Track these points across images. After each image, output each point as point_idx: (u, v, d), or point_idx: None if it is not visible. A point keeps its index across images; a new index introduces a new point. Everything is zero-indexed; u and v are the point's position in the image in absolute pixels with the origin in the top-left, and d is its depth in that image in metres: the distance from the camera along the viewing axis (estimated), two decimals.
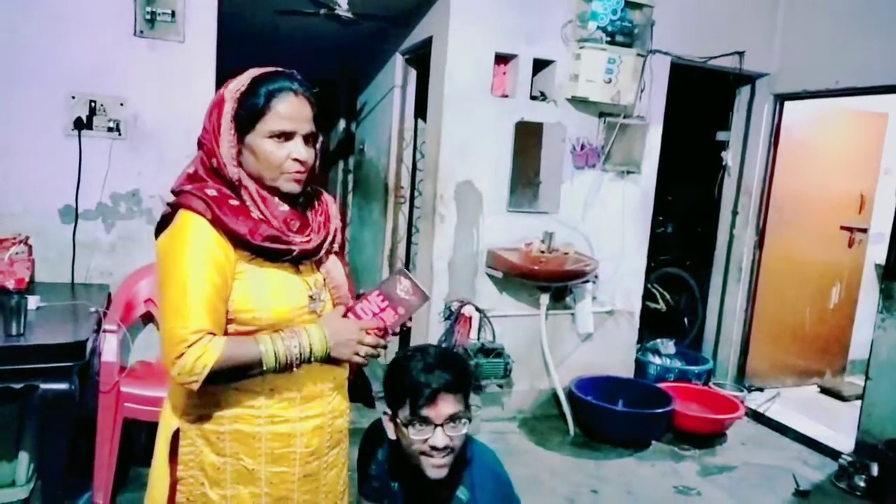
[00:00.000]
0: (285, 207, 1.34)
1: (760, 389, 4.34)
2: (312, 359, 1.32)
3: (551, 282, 3.62)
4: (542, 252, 3.60)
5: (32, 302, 2.28)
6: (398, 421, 1.49)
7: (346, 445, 1.52)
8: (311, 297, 1.36)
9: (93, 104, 2.81)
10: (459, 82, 3.46)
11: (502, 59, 3.57)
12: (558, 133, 3.68)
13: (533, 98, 3.64)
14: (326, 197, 1.49)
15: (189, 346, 1.22)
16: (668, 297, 4.86)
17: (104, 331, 2.45)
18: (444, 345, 3.43)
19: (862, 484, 3.18)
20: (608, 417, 3.60)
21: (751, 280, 4.33)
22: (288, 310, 1.32)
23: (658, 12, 3.69)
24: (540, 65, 3.63)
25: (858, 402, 3.58)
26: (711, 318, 4.56)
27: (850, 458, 3.29)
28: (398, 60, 4.32)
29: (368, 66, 4.96)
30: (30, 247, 2.62)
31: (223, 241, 1.27)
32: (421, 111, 4.17)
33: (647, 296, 4.43)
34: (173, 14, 2.87)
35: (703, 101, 4.45)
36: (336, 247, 1.45)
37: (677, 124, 4.10)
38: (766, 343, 4.39)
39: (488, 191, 3.59)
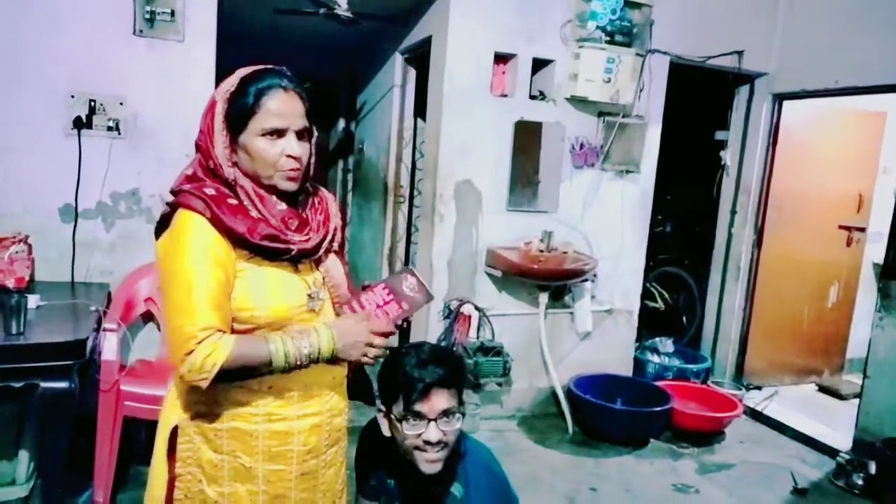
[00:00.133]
0: (283, 206, 1.34)
1: (759, 388, 4.35)
2: (320, 359, 1.32)
3: (550, 281, 3.62)
4: (542, 251, 3.61)
5: (32, 301, 2.28)
6: (392, 416, 1.50)
7: (344, 444, 1.52)
8: (309, 295, 1.37)
9: (92, 103, 2.81)
10: (459, 82, 3.46)
11: (501, 58, 3.57)
12: (557, 132, 3.69)
13: (532, 97, 3.65)
14: (326, 195, 1.49)
15: (198, 343, 1.21)
16: (666, 295, 4.87)
17: (104, 329, 2.45)
18: (443, 343, 3.44)
19: (860, 482, 3.19)
20: (607, 416, 3.61)
21: (749, 279, 4.34)
22: (286, 308, 1.33)
23: (657, 12, 3.69)
24: (539, 64, 3.63)
25: (856, 401, 3.59)
26: (710, 316, 4.57)
27: (848, 457, 3.30)
28: (397, 60, 4.33)
29: (368, 65, 4.96)
30: (30, 246, 2.63)
31: (223, 240, 1.27)
32: (420, 110, 4.17)
33: (646, 295, 4.44)
34: (173, 13, 2.87)
35: (701, 101, 4.45)
36: (335, 245, 1.45)
37: (676, 124, 4.11)
38: (765, 342, 4.40)
39: (488, 190, 3.59)
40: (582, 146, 3.75)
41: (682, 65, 3.92)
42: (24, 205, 2.77)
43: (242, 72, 1.33)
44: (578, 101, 3.65)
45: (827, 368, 4.66)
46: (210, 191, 1.28)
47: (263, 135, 1.29)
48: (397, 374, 1.49)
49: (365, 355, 1.37)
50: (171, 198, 1.34)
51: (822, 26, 3.86)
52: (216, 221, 1.26)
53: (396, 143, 4.42)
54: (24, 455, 2.55)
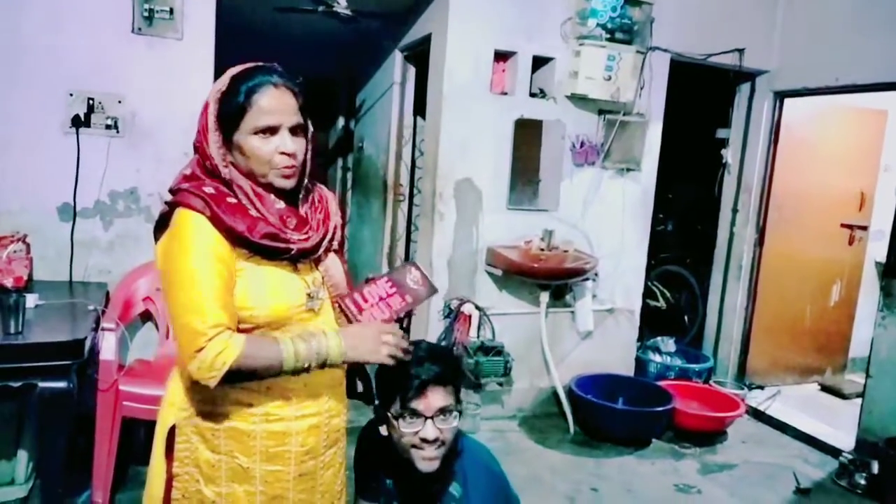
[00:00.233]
0: (282, 204, 1.33)
1: (761, 387, 4.34)
2: (328, 363, 1.31)
3: (551, 280, 3.61)
4: (542, 250, 3.60)
5: (31, 300, 2.28)
6: (389, 415, 1.49)
7: (343, 445, 1.51)
8: (308, 295, 1.36)
9: (91, 102, 2.80)
10: (459, 79, 3.45)
11: (501, 56, 3.56)
12: (558, 130, 3.67)
13: (532, 95, 3.63)
14: (326, 193, 1.48)
15: (209, 340, 1.20)
16: (668, 294, 4.86)
17: (103, 329, 2.45)
18: (443, 343, 3.43)
19: (863, 482, 3.18)
20: (608, 415, 3.60)
21: (751, 278, 4.33)
22: (286, 308, 1.32)
23: (658, 9, 3.68)
24: (539, 62, 3.62)
25: (859, 400, 3.58)
26: (712, 315, 4.56)
27: (850, 456, 3.29)
28: (397, 57, 4.32)
29: (367, 63, 4.95)
30: (28, 245, 2.62)
31: (223, 239, 1.26)
32: (420, 109, 4.16)
33: (648, 294, 4.43)
34: (171, 11, 2.86)
35: (702, 99, 4.44)
36: (335, 244, 1.44)
37: (677, 121, 4.10)
38: (767, 341, 4.39)
39: (488, 188, 3.58)
40: (582, 144, 3.73)
41: (683, 62, 3.91)
42: (23, 203, 2.76)
43: (233, 71, 1.32)
44: (579, 99, 3.63)
45: (829, 368, 4.65)
46: (209, 189, 1.28)
47: (256, 133, 1.28)
48: (394, 373, 1.48)
49: (382, 353, 1.35)
50: (169, 197, 1.33)
51: (822, 23, 3.85)
52: (216, 220, 1.25)
53: (396, 142, 4.41)
54: (22, 455, 2.55)
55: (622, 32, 3.54)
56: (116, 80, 2.83)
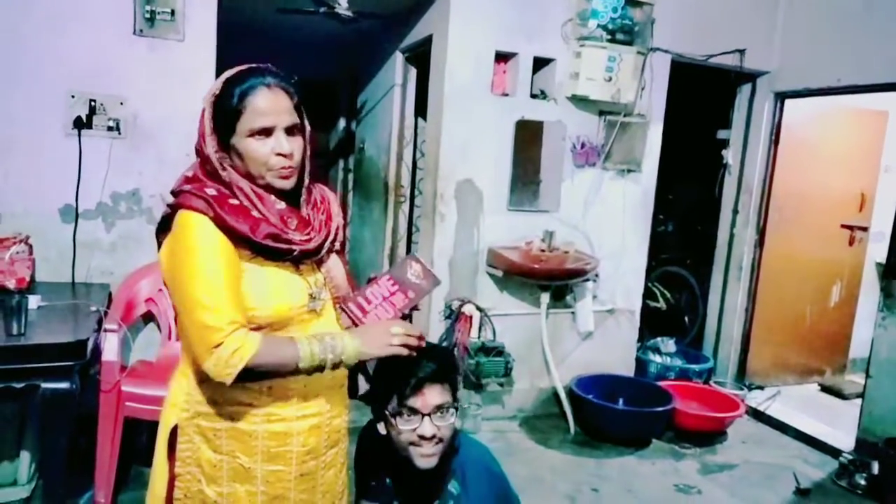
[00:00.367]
0: (282, 205, 1.34)
1: (761, 388, 4.34)
2: (343, 364, 1.32)
3: (552, 280, 3.62)
4: (543, 251, 3.60)
5: (33, 301, 2.29)
6: (387, 413, 1.50)
7: (344, 445, 1.51)
8: (311, 295, 1.36)
9: (92, 103, 2.81)
10: (459, 81, 3.46)
11: (502, 57, 3.57)
12: (558, 131, 3.68)
13: (533, 96, 3.64)
14: (328, 194, 1.48)
15: (226, 336, 1.21)
16: (668, 295, 4.86)
17: (105, 330, 2.45)
18: (444, 343, 3.43)
19: (863, 482, 3.18)
20: (609, 416, 3.60)
21: (751, 278, 4.33)
22: (288, 308, 1.32)
23: (658, 10, 3.68)
24: (540, 63, 3.63)
25: (859, 401, 3.58)
26: (712, 316, 4.56)
27: (850, 457, 3.30)
28: (398, 59, 4.32)
29: (369, 64, 4.96)
30: (30, 246, 2.62)
31: (227, 239, 1.27)
32: (421, 110, 4.17)
33: (648, 294, 4.43)
34: (173, 13, 2.87)
35: (703, 100, 4.44)
36: (337, 245, 1.44)
37: (678, 122, 4.10)
38: (767, 341, 4.39)
39: (488, 189, 3.58)
40: (583, 145, 3.74)
41: (684, 63, 3.91)
42: (25, 205, 2.77)
43: (227, 74, 1.32)
44: (579, 100, 3.64)
45: (829, 368, 4.66)
46: (211, 191, 1.28)
47: (252, 135, 1.28)
48: (390, 371, 1.49)
49: (390, 345, 1.34)
50: (171, 199, 1.33)
51: (823, 24, 3.86)
52: (219, 221, 1.25)
53: (397, 143, 4.41)
54: (25, 456, 2.56)
55: (623, 33, 3.54)
56: (118, 81, 2.84)
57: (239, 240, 1.27)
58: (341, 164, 5.92)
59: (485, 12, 3.44)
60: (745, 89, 4.28)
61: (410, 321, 1.49)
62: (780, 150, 4.18)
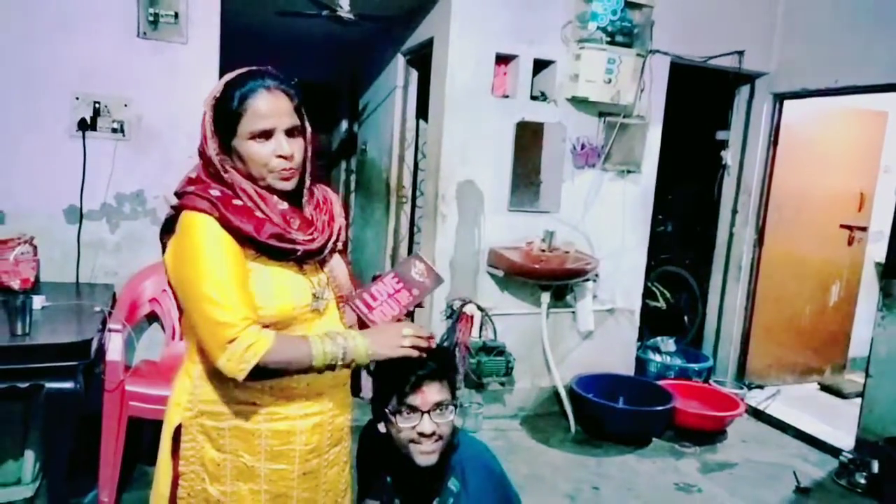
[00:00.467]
0: (284, 205, 1.35)
1: (761, 387, 4.35)
2: (353, 363, 1.34)
3: (552, 280, 3.63)
4: (543, 251, 3.62)
5: (37, 301, 2.30)
6: (387, 412, 1.52)
7: (347, 444, 1.53)
8: (314, 295, 1.38)
9: (97, 105, 2.83)
10: (460, 83, 3.47)
11: (503, 59, 3.58)
12: (559, 133, 3.69)
13: (533, 98, 3.66)
14: (331, 195, 1.49)
15: (240, 332, 1.22)
16: (668, 295, 4.87)
17: (109, 330, 2.46)
18: (445, 343, 3.45)
19: (863, 481, 3.19)
20: (609, 415, 3.62)
21: (750, 278, 4.34)
22: (291, 308, 1.34)
23: (658, 12, 3.70)
24: (540, 65, 3.64)
25: (859, 400, 3.59)
26: (711, 316, 4.58)
27: (850, 456, 3.31)
28: (399, 61, 4.34)
29: (370, 66, 4.98)
30: (35, 247, 2.63)
31: (232, 239, 1.28)
32: (422, 112, 4.19)
33: (648, 294, 4.45)
34: (176, 16, 2.89)
35: (702, 101, 4.46)
36: (340, 245, 1.46)
37: (677, 124, 4.11)
38: (767, 341, 4.40)
39: (489, 190, 3.60)
40: (583, 146, 3.75)
41: (683, 65, 3.93)
42: (29, 206, 2.78)
43: (227, 77, 1.33)
44: (579, 102, 3.66)
45: (829, 367, 4.67)
46: (215, 192, 1.29)
47: (252, 137, 1.29)
48: (390, 370, 1.51)
49: (401, 346, 1.36)
50: (175, 200, 1.34)
51: (821, 25, 3.87)
52: (224, 221, 1.27)
53: (399, 144, 4.43)
54: (29, 455, 2.57)
55: (622, 35, 3.56)
56: (122, 83, 2.86)
57: (243, 240, 1.29)
58: (344, 165, 5.94)
59: (485, 15, 3.46)
60: (744, 90, 4.29)
61: (413, 318, 1.51)
62: (779, 150, 4.19)
